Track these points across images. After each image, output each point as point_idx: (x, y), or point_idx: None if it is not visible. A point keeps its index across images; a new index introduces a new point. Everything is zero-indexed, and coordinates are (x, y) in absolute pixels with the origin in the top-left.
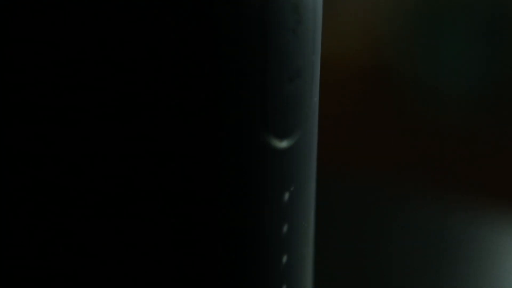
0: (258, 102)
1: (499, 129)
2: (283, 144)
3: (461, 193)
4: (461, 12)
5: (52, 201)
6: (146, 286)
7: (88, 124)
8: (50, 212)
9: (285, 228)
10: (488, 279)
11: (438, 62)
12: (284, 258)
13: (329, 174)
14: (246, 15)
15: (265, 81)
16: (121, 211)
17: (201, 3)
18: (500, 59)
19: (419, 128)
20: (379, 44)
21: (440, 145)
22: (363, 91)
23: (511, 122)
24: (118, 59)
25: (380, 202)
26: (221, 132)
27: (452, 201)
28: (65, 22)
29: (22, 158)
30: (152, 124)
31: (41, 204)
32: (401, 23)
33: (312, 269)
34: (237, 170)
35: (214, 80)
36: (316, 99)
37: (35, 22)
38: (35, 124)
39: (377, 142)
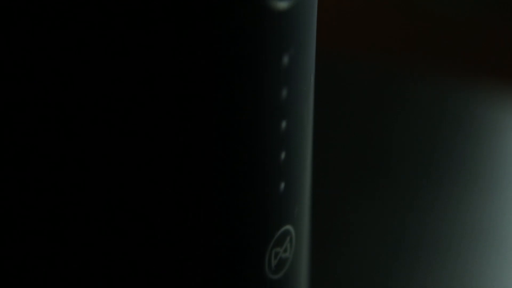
0: None
1: (499, 12)
2: (283, 4)
3: (461, 75)
4: None
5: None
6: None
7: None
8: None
9: (284, 92)
10: (488, 153)
11: None
12: (283, 124)
13: (327, 53)
14: None
15: None
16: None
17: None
18: None
19: (417, 11)
20: None
21: (437, 27)
22: None
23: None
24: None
25: (378, 83)
26: None
27: (451, 83)
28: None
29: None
30: None
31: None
32: None
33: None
34: (236, 31)
35: None
36: None
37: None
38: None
39: (376, 23)
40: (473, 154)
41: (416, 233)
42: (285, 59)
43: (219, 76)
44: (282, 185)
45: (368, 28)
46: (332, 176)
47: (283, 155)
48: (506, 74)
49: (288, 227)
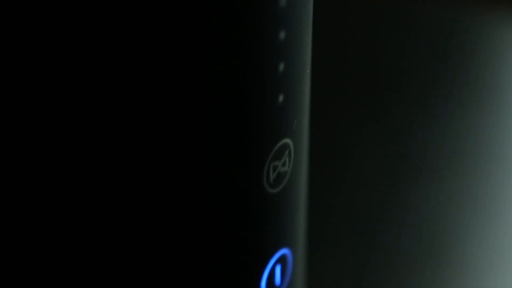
0: None
1: None
2: None
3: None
4: None
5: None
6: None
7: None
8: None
9: (283, 2)
10: (489, 71)
11: None
12: (282, 34)
13: None
14: None
15: None
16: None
17: None
18: None
19: None
20: None
21: None
22: None
23: None
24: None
25: (381, 3)
26: None
27: (455, 1)
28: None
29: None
30: None
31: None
32: None
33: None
34: None
35: None
36: None
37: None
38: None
39: None
40: (476, 74)
41: (418, 152)
42: None
43: None
44: (281, 97)
45: None
46: (333, 91)
47: (281, 67)
48: None
49: (287, 140)
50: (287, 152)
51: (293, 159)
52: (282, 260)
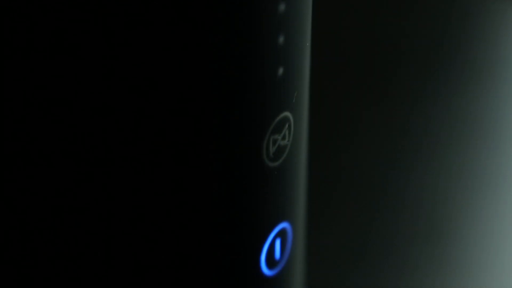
0: None
1: None
2: None
3: None
4: None
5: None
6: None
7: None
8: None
9: None
10: (490, 46)
11: None
12: (282, 6)
13: None
14: None
15: None
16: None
17: None
18: None
19: None
20: None
21: None
22: None
23: None
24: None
25: None
26: None
27: None
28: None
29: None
30: None
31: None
32: None
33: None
34: None
35: None
36: None
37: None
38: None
39: None
40: (477, 49)
41: (420, 128)
42: None
43: None
44: (281, 70)
45: None
46: (334, 65)
47: (281, 39)
48: None
49: (287, 113)
50: (287, 126)
51: (293, 132)
52: (282, 234)
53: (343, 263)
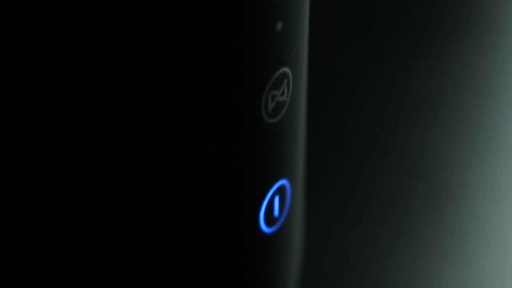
0: None
1: None
2: None
3: None
4: None
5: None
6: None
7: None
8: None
9: None
10: (492, 10)
11: None
12: None
13: None
14: None
15: None
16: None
17: None
18: None
19: None
20: None
21: None
22: None
23: None
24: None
25: None
26: None
27: None
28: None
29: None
30: None
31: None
32: None
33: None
34: None
35: None
36: None
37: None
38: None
39: None
40: (479, 13)
41: (420, 89)
42: None
43: None
44: (279, 25)
45: None
46: (334, 20)
47: None
48: None
49: (286, 69)
50: (285, 82)
51: (292, 88)
52: (280, 191)
53: (342, 221)
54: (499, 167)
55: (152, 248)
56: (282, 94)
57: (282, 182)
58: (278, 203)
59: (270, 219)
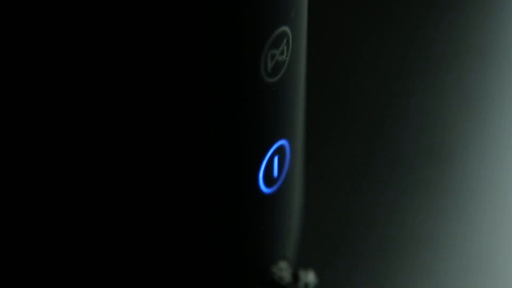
0: None
1: None
2: None
3: None
4: None
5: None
6: None
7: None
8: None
9: None
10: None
11: None
12: None
13: None
14: None
15: None
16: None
17: None
18: None
19: None
20: None
21: None
22: None
23: None
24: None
25: None
26: None
27: None
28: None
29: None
30: None
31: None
32: None
33: None
34: None
35: None
36: None
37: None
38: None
39: None
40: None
41: (419, 59)
42: None
43: None
44: None
45: None
46: None
47: None
48: None
49: (285, 28)
50: (285, 41)
51: (292, 48)
52: (279, 151)
53: (341, 182)
54: (499, 129)
55: (155, 210)
56: (282, 53)
57: (282, 142)
58: (277, 163)
59: (269, 179)
